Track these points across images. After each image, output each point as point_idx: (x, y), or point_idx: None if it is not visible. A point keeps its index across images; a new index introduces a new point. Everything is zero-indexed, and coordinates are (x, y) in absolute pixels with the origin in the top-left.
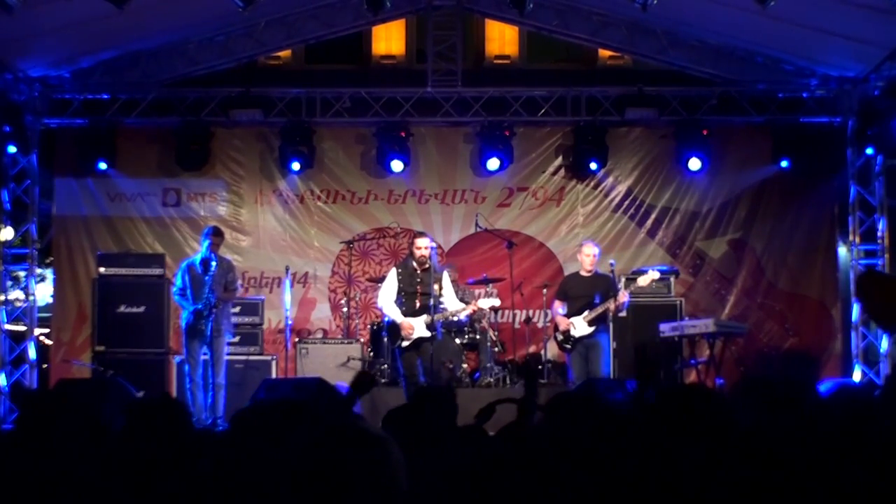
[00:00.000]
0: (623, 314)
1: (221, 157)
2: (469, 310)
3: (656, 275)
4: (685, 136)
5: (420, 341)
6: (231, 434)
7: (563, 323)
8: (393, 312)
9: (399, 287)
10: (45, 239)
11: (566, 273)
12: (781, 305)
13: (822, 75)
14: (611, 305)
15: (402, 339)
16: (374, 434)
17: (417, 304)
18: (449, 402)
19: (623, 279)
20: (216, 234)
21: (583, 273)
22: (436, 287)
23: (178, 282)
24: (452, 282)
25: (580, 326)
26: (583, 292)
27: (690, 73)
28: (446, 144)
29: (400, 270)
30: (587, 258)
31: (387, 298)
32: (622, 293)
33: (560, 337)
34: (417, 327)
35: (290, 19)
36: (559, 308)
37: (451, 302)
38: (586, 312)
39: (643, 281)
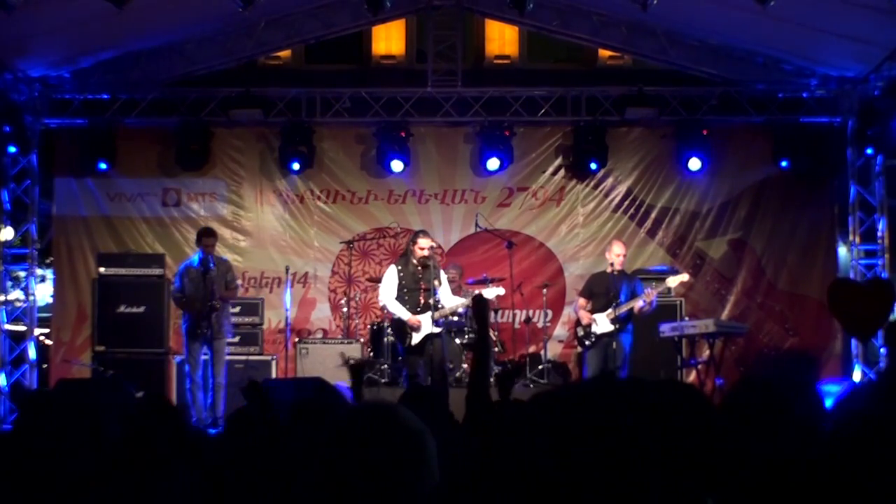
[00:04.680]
0: (650, 312)
1: (221, 157)
2: (470, 301)
3: (685, 277)
4: (685, 136)
5: (425, 341)
6: (230, 434)
7: (585, 317)
8: (399, 310)
9: (401, 284)
10: (45, 239)
11: (566, 273)
12: (781, 305)
13: (822, 75)
14: (636, 304)
15: (410, 337)
16: (413, 428)
17: (422, 301)
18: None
19: (658, 282)
20: (208, 235)
21: (609, 271)
22: (435, 283)
23: (177, 284)
24: (452, 280)
25: (602, 323)
26: (607, 290)
27: (690, 73)
28: (446, 144)
29: (400, 267)
30: (617, 257)
31: (389, 296)
32: (648, 292)
33: (581, 332)
34: (425, 323)
35: (289, 19)
36: (583, 304)
37: (447, 299)
38: (610, 310)
39: (672, 282)
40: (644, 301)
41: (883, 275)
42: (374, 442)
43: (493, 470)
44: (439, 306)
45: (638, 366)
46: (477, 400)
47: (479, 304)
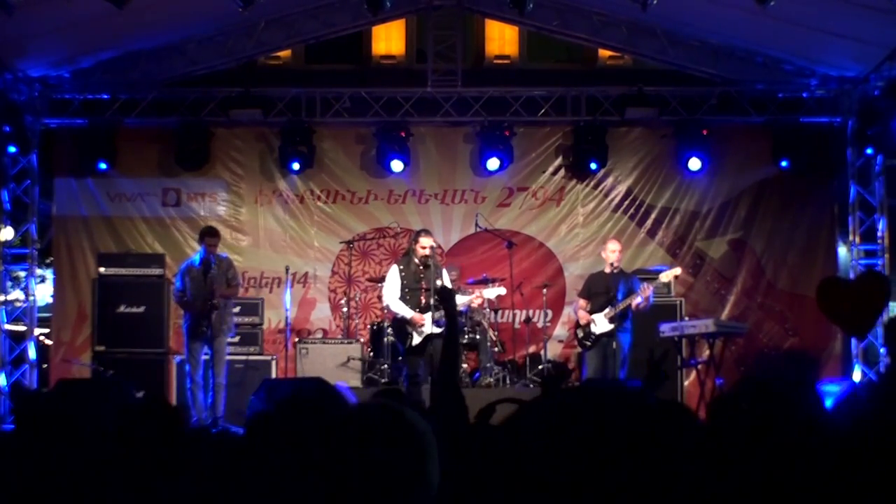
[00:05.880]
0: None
1: (221, 157)
2: (475, 300)
3: (678, 271)
4: (685, 136)
5: (426, 341)
6: (250, 438)
7: (584, 318)
8: (402, 309)
9: (402, 283)
10: (45, 239)
11: (566, 273)
12: (781, 305)
13: (822, 75)
14: (633, 302)
15: (411, 337)
16: (419, 428)
17: (423, 301)
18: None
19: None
20: (211, 235)
21: (606, 270)
22: (438, 283)
23: (178, 284)
24: (452, 282)
25: (601, 323)
26: (605, 289)
27: (690, 73)
28: (446, 144)
29: (402, 267)
30: (612, 253)
31: (392, 296)
32: (644, 288)
33: (580, 333)
34: (426, 323)
35: (289, 19)
36: (584, 305)
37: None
38: (608, 309)
39: (665, 277)
40: (641, 298)
41: None
42: (379, 442)
43: (490, 473)
44: (440, 306)
45: (638, 366)
46: (445, 391)
47: (444, 294)
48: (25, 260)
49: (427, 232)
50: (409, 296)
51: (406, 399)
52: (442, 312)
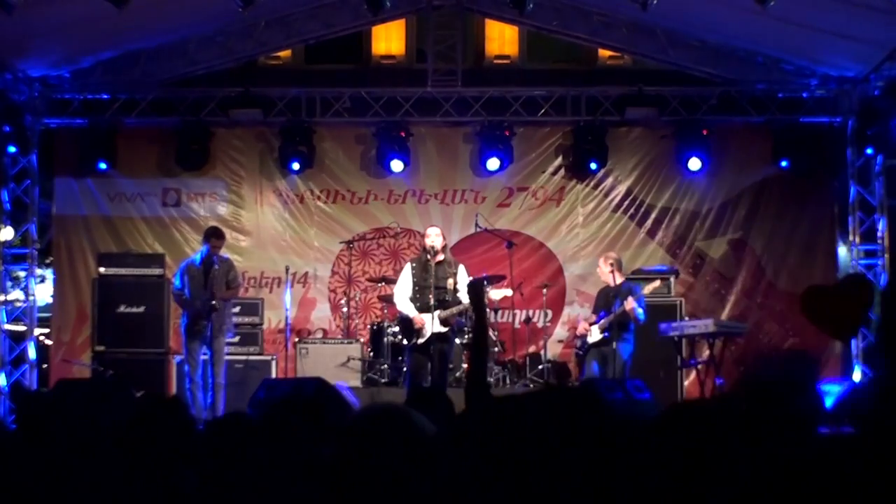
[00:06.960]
0: (641, 322)
1: (221, 157)
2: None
3: (657, 283)
4: (685, 136)
5: (432, 340)
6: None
7: (581, 328)
8: (407, 308)
9: (413, 282)
10: (45, 239)
11: (566, 273)
12: (781, 305)
13: (822, 75)
14: (627, 308)
15: (417, 337)
16: (426, 431)
17: (431, 300)
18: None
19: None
20: (217, 237)
21: (612, 285)
22: (450, 282)
23: (178, 282)
24: None
25: (594, 334)
26: (606, 303)
27: (690, 73)
28: (446, 144)
29: (414, 265)
30: (606, 264)
31: (401, 294)
32: (628, 301)
33: (578, 343)
34: (430, 323)
35: (289, 19)
36: (588, 317)
37: (465, 296)
38: (602, 321)
39: (645, 289)
40: (626, 308)
41: (882, 275)
42: (385, 445)
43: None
44: (447, 304)
45: (638, 366)
46: (475, 388)
47: (475, 288)
48: (25, 260)
49: (434, 225)
50: (418, 294)
51: (438, 403)
52: (448, 311)
